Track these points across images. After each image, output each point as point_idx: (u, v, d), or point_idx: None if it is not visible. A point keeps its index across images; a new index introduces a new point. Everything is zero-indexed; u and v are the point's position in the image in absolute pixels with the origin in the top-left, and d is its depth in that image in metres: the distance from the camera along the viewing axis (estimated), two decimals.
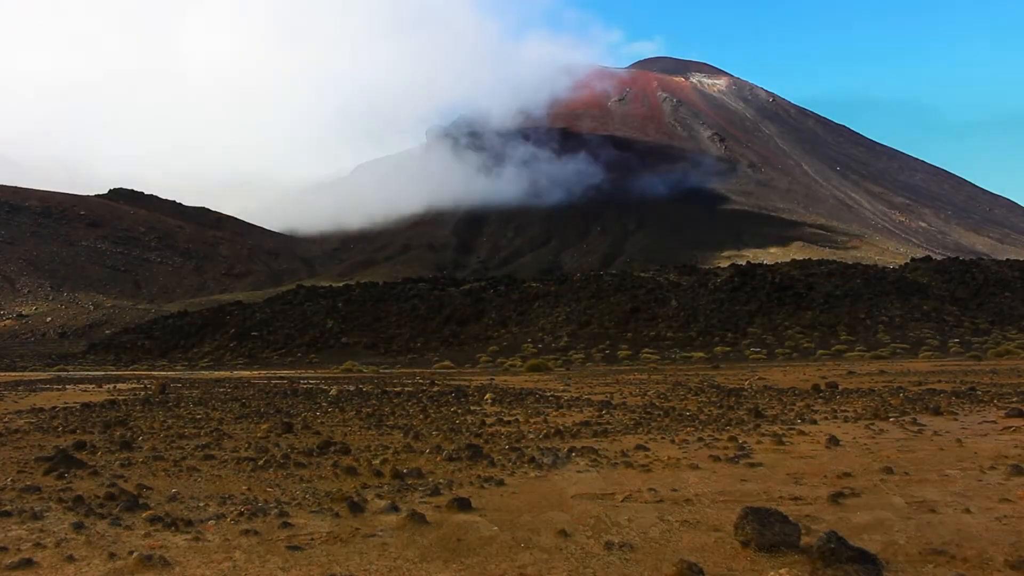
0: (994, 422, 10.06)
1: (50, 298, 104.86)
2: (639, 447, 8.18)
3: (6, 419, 11.82)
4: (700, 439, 8.79)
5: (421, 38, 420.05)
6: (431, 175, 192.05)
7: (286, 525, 4.92)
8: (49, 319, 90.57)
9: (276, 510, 5.30)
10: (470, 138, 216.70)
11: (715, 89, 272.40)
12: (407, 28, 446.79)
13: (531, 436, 9.33)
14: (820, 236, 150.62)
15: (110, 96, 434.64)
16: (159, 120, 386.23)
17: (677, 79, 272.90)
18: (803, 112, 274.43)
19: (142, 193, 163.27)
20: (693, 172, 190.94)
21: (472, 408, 13.42)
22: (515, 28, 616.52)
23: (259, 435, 9.47)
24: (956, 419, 10.54)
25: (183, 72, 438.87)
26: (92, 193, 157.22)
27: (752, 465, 7.04)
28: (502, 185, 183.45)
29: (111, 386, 22.73)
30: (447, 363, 44.80)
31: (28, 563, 4.07)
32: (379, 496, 5.87)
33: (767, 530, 4.12)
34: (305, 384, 23.56)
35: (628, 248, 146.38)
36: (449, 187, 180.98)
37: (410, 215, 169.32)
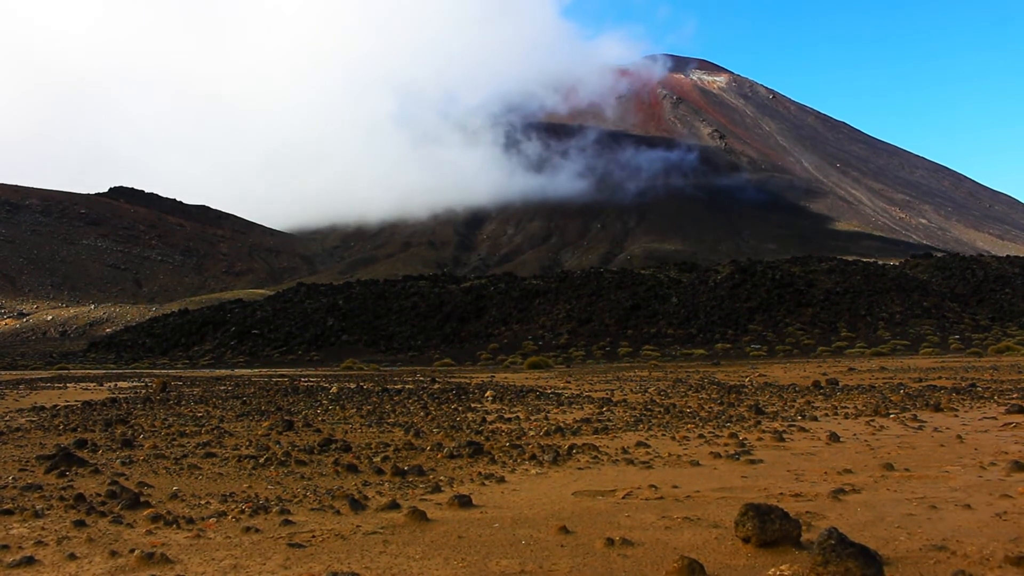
0: (994, 418, 10.07)
1: (51, 296, 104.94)
2: (640, 444, 8.19)
3: (7, 417, 11.83)
4: (701, 436, 8.80)
5: (488, 34, 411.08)
6: (467, 171, 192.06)
7: (287, 523, 4.92)
8: (50, 317, 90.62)
9: (277, 508, 5.31)
10: (509, 133, 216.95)
11: (715, 86, 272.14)
12: (466, 24, 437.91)
13: (532, 433, 9.34)
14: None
15: (134, 75, 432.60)
16: (175, 112, 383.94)
17: (677, 76, 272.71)
18: (803, 109, 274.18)
19: (142, 191, 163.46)
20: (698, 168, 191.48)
21: (473, 405, 13.42)
22: (593, 26, 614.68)
23: (260, 433, 9.48)
24: (956, 415, 10.55)
25: (208, 57, 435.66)
26: (92, 191, 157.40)
27: (753, 462, 7.05)
28: (516, 182, 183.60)
29: (112, 384, 22.75)
30: (448, 360, 44.82)
31: (30, 561, 4.09)
32: (380, 493, 5.88)
33: (768, 527, 4.13)
34: (306, 382, 23.57)
35: (628, 245, 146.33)
36: (467, 181, 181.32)
37: (412, 213, 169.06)
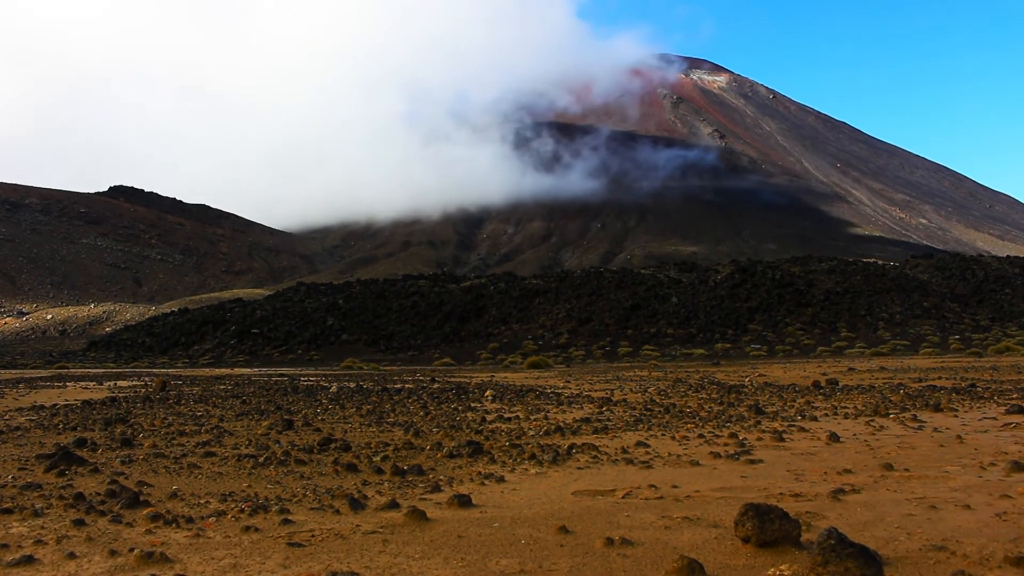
0: (994, 418, 10.07)
1: (51, 296, 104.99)
2: (639, 444, 8.18)
3: (7, 416, 11.83)
4: (700, 436, 8.79)
5: (500, 32, 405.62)
6: (478, 170, 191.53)
7: (287, 522, 4.92)
8: (50, 316, 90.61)
9: (277, 507, 5.30)
10: (519, 132, 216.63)
11: (715, 86, 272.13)
12: (478, 23, 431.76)
13: (531, 433, 9.33)
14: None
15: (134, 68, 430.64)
16: (176, 111, 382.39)
17: (677, 76, 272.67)
18: (803, 109, 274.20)
19: (142, 190, 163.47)
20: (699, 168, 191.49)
21: (472, 405, 13.42)
22: (609, 26, 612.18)
23: (260, 432, 9.47)
24: (956, 416, 10.55)
25: (212, 47, 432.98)
26: (92, 190, 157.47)
27: (752, 462, 7.05)
28: (527, 181, 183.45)
29: (112, 383, 22.74)
30: (447, 360, 44.81)
31: (29, 560, 4.08)
32: (380, 493, 5.88)
33: (767, 526, 4.13)
34: (306, 381, 23.56)
35: (628, 245, 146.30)
36: (476, 180, 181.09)
37: (421, 212, 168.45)
